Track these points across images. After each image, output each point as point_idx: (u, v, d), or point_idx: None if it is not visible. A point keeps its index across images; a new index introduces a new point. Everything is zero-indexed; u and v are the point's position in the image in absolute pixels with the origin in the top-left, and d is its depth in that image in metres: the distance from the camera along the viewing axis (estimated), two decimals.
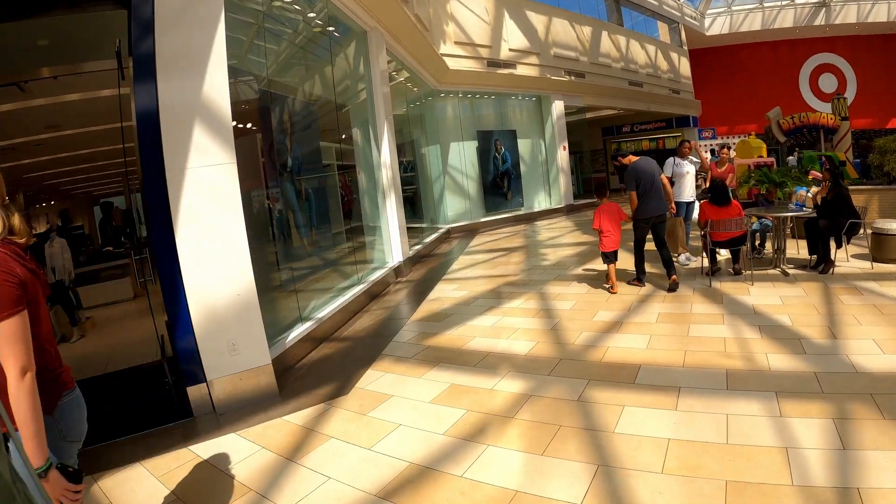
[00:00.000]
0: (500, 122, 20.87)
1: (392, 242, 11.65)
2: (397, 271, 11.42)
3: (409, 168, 17.92)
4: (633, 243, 8.53)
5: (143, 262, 5.65)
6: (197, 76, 5.30)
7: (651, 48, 27.84)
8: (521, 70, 19.96)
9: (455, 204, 19.15)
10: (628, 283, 8.58)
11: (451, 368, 5.90)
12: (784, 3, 31.06)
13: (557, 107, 21.65)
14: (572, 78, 21.99)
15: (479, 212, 19.59)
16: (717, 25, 32.36)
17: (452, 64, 17.45)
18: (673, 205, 8.77)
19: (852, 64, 32.62)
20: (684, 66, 30.91)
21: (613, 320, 6.90)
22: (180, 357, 5.38)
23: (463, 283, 10.30)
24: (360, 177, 11.85)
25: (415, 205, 17.46)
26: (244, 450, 4.54)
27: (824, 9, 30.40)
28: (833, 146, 19.51)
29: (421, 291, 9.97)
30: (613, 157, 10.81)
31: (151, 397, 6.02)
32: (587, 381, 5.12)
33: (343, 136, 11.52)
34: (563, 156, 21.87)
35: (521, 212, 20.65)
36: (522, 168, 21.10)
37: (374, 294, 9.97)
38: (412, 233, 15.22)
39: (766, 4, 31.31)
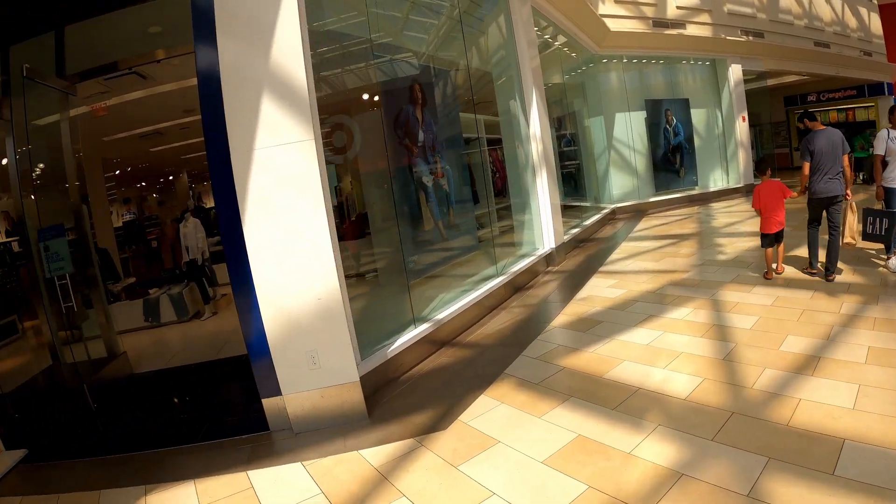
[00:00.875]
0: (670, 90, 18.47)
1: (544, 226, 9.98)
2: (548, 259, 9.82)
3: (570, 142, 16.07)
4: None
5: None
6: (261, 34, 4.32)
7: (837, 2, 24.26)
8: (692, 30, 17.54)
9: (621, 181, 17.10)
10: (803, 270, 7.59)
11: (583, 407, 4.40)
12: None
13: (735, 72, 18.96)
14: (750, 38, 19.20)
15: (648, 190, 17.42)
16: None
17: (613, 25, 15.43)
18: (849, 191, 7.14)
19: None
20: (875, 24, 26.84)
21: (808, 352, 4.86)
22: (253, 365, 4.68)
23: (621, 278, 8.53)
24: (508, 152, 10.37)
25: (577, 182, 15.64)
26: (302, 489, 3.81)
27: None
28: None
29: (572, 286, 8.38)
30: (800, 119, 8.61)
31: (240, 395, 5.75)
32: (766, 459, 3.34)
33: (491, 109, 10.29)
34: (742, 128, 19.15)
35: (695, 191, 18.22)
36: (696, 142, 18.57)
37: (518, 286, 8.53)
38: (572, 213, 13.58)
39: None
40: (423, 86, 8.05)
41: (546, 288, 8.50)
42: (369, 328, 5.61)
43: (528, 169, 9.90)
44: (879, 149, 7.29)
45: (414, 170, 7.82)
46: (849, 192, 7.10)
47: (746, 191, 18.71)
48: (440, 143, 8.36)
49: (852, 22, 24.96)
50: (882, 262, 7.37)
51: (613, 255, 10.27)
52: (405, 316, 6.22)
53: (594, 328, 6.24)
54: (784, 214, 7.46)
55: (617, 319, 6.45)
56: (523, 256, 9.37)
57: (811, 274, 7.35)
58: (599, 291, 7.81)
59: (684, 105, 18.07)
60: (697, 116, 18.56)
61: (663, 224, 13.70)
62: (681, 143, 17.75)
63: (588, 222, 13.23)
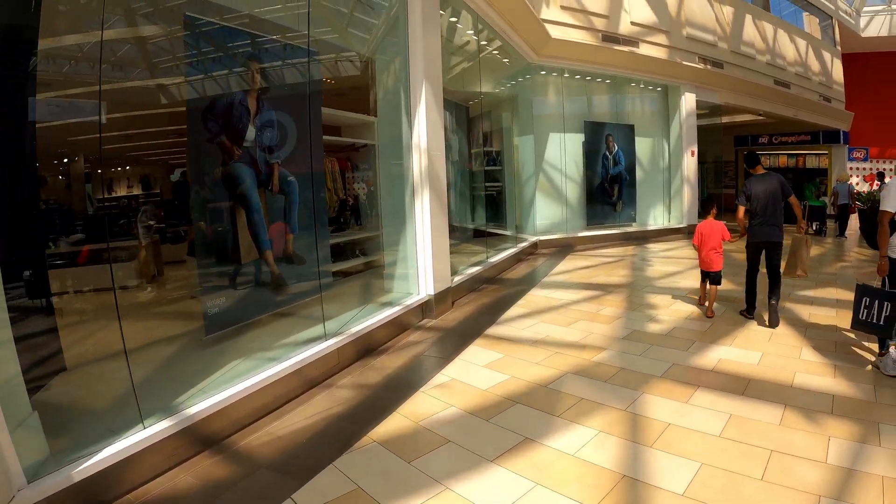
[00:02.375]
0: (614, 112, 16.18)
1: (421, 266, 7.45)
2: (425, 309, 7.32)
3: (495, 161, 13.74)
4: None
5: None
6: None
7: (802, 43, 22.68)
8: (645, 49, 15.34)
9: (548, 210, 14.60)
10: (740, 312, 7.29)
11: None
12: None
13: (688, 101, 16.94)
14: (708, 66, 17.21)
15: (579, 223, 15.06)
16: (874, 26, 26.79)
17: (556, 32, 13.13)
18: (803, 223, 7.32)
19: None
20: (837, 70, 25.39)
21: None
22: None
23: (511, 350, 6.01)
24: (383, 165, 7.91)
25: (498, 207, 13.29)
26: None
27: None
28: None
29: (439, 356, 5.94)
30: (750, 161, 7.22)
31: None
32: None
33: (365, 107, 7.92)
34: (690, 163, 17.13)
35: (632, 228, 15.99)
36: (638, 173, 16.39)
37: (371, 347, 6.16)
38: (487, 242, 11.20)
39: None
40: (263, 69, 5.69)
41: (403, 355, 5.95)
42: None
43: (408, 189, 7.43)
44: (890, 203, 5.14)
45: (232, 177, 5.43)
46: (802, 223, 7.18)
47: (688, 231, 16.68)
48: (287, 146, 6.03)
49: (815, 65, 23.55)
50: (872, 358, 5.38)
51: (514, 309, 7.78)
52: (142, 399, 3.72)
53: (427, 457, 3.74)
54: (720, 258, 7.40)
55: (470, 441, 3.94)
56: (386, 306, 6.83)
57: (746, 317, 7.08)
58: (470, 374, 5.31)
59: (628, 131, 15.84)
60: (642, 146, 16.40)
61: (589, 266, 11.31)
62: (620, 172, 15.50)
63: (499, 257, 10.74)
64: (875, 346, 5.50)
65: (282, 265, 5.80)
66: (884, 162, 27.70)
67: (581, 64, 14.40)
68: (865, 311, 5.15)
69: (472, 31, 10.66)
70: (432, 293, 7.33)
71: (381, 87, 8.05)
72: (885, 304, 5.01)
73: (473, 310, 7.80)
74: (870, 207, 18.06)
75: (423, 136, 7.18)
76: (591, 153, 15.01)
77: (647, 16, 15.33)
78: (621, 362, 5.51)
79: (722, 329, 6.62)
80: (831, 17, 25.04)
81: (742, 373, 5.13)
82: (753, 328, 6.60)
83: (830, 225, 17.30)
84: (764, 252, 6.89)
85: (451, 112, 11.20)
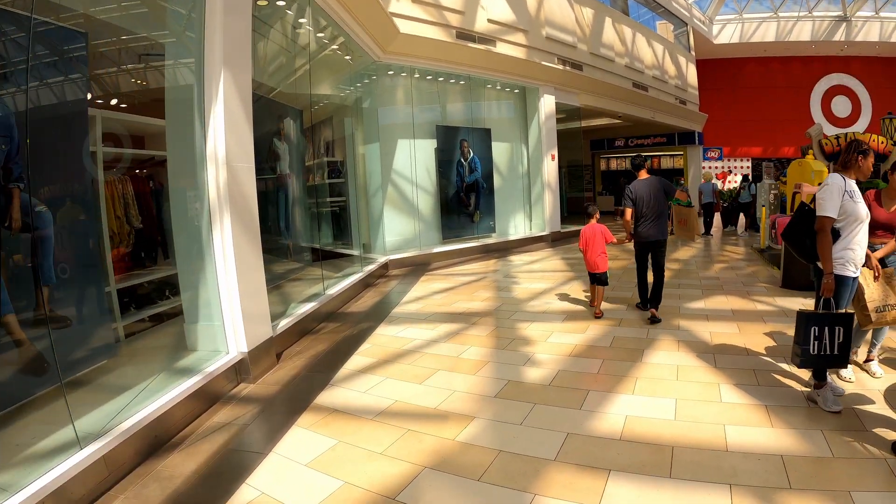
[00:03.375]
0: (469, 116, 14.70)
1: (228, 316, 5.62)
2: (239, 371, 5.54)
3: (339, 173, 12.11)
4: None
5: None
6: None
7: (659, 48, 22.65)
8: (503, 49, 14.14)
9: (399, 226, 13.01)
10: (636, 305, 7.78)
11: None
12: (802, 14, 27.10)
13: (547, 103, 15.87)
14: (567, 68, 16.27)
15: (433, 238, 13.57)
16: (726, 33, 27.89)
17: (406, 27, 11.64)
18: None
19: (868, 88, 30.03)
20: (692, 74, 25.88)
21: None
22: None
23: (346, 435, 4.28)
24: (173, 183, 5.98)
25: (342, 224, 11.73)
26: None
27: (845, 24, 27.26)
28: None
29: (235, 464, 3.98)
30: (635, 166, 7.47)
31: None
32: None
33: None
34: (550, 167, 16.11)
35: (492, 239, 14.68)
36: (497, 180, 15.14)
37: (166, 436, 4.20)
38: (333, 266, 9.88)
39: (781, 14, 27.29)
40: None
41: (202, 450, 4.09)
42: None
43: (204, 214, 5.63)
44: (830, 207, 4.07)
45: None
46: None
47: (552, 239, 15.77)
48: (39, 165, 4.24)
49: (671, 69, 23.75)
50: (800, 388, 4.60)
51: (355, 359, 6.10)
52: None
53: None
54: (606, 259, 7.62)
55: None
56: (185, 373, 5.07)
57: (640, 309, 7.55)
58: (288, 482, 3.58)
59: (484, 136, 14.53)
60: (499, 151, 15.17)
61: (447, 290, 9.75)
62: (477, 180, 14.17)
63: (341, 286, 8.99)
64: (798, 372, 4.82)
65: (34, 330, 4.06)
66: (735, 160, 28.79)
67: (433, 63, 12.93)
68: (816, 342, 4.02)
69: (306, 21, 8.97)
70: (245, 350, 5.59)
71: (172, 81, 6.23)
72: (837, 329, 4.05)
73: (304, 364, 6.07)
74: (731, 203, 18.27)
75: (222, 142, 5.38)
76: (445, 160, 13.58)
77: (505, 14, 14.11)
78: (498, 440, 4.00)
79: (617, 362, 5.47)
80: (686, 24, 25.31)
81: (660, 436, 3.86)
82: (654, 359, 5.57)
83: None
84: (651, 250, 7.24)
85: (292, 119, 9.51)
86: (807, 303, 7.07)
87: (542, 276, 10.56)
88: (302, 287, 8.73)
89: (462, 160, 13.83)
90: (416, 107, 13.26)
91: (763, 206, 13.62)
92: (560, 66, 15.91)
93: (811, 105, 30.12)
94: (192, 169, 5.60)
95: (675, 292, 8.47)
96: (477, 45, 13.29)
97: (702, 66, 27.30)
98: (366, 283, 10.23)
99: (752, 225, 17.70)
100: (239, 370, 5.56)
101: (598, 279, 7.51)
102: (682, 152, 27.42)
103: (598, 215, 7.90)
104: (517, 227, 16.06)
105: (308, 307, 7.55)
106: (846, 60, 29.45)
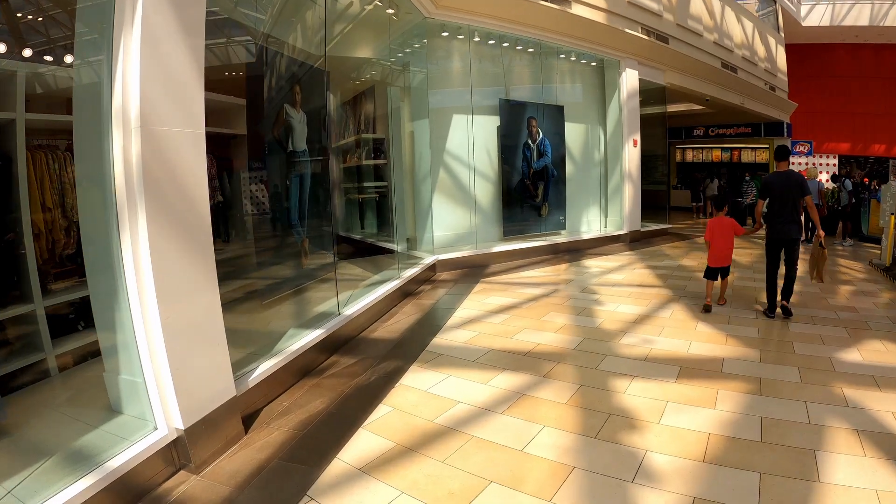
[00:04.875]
0: (537, 89, 12.08)
1: (149, 372, 3.31)
2: (176, 455, 3.31)
3: (379, 152, 9.86)
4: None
5: None
6: None
7: (749, 25, 19.68)
8: (580, 11, 11.52)
9: (452, 219, 10.60)
10: (763, 312, 6.90)
11: None
12: None
13: (629, 79, 13.29)
14: (653, 39, 13.67)
15: (493, 233, 11.13)
16: (815, 15, 24.56)
17: None
18: (821, 231, 6.83)
19: None
20: (781, 58, 22.83)
21: None
22: None
23: None
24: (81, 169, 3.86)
25: (382, 214, 9.42)
26: None
27: None
28: None
29: None
30: (779, 156, 6.80)
31: None
32: None
33: None
34: (632, 155, 13.53)
35: (562, 238, 12.13)
36: (569, 168, 12.53)
37: None
38: (367, 267, 7.95)
39: None
40: None
41: None
42: None
43: (109, 209, 3.32)
44: None
45: None
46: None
47: (631, 240, 13.26)
48: None
49: (761, 50, 20.73)
50: None
51: (360, 441, 3.72)
52: None
53: None
54: (731, 252, 7.28)
55: None
56: (91, 457, 2.93)
57: (767, 316, 6.75)
58: None
59: (557, 114, 11.98)
60: (573, 133, 12.62)
61: (508, 308, 7.27)
62: (546, 166, 11.66)
63: (365, 302, 6.56)
64: None
65: None
66: (821, 157, 25.97)
67: (496, 23, 10.46)
68: None
69: None
70: (181, 427, 3.35)
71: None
72: None
73: (283, 441, 3.76)
74: (835, 207, 15.21)
75: (135, 89, 3.16)
76: (509, 142, 11.09)
77: None
78: None
79: (780, 481, 3.08)
80: (775, 2, 22.35)
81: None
82: (835, 473, 3.13)
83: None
84: (783, 249, 6.86)
85: (314, 82, 7.27)
86: None
87: (629, 294, 8.06)
88: (311, 303, 6.41)
89: (529, 142, 11.31)
90: (475, 76, 10.76)
91: (893, 213, 10.66)
92: (644, 36, 13.32)
93: None
94: (98, 136, 3.35)
95: (812, 331, 5.94)
96: (549, 2, 10.81)
97: (789, 50, 24.05)
98: (405, 292, 7.87)
99: (855, 232, 14.95)
100: (178, 452, 3.34)
101: (723, 272, 7.35)
102: (767, 145, 24.27)
103: (727, 208, 7.61)
104: (591, 223, 13.50)
105: (312, 336, 5.20)
106: None
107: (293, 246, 6.93)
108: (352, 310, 6.19)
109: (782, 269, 6.83)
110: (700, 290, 7.81)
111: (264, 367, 4.37)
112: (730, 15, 18.22)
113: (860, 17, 24.41)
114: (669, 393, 4.37)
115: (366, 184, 9.60)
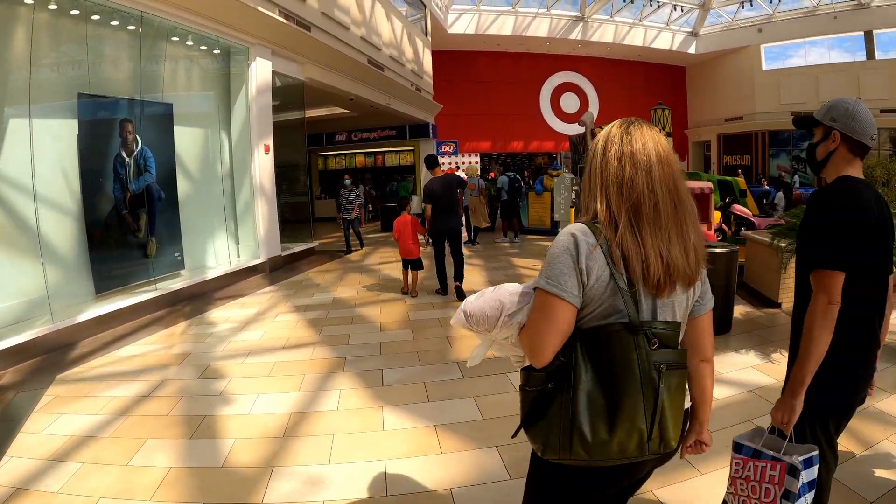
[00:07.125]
0: (137, 82, 8.99)
1: None
2: None
3: None
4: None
5: None
6: None
7: (398, 25, 19.49)
8: None
9: (11, 277, 7.07)
10: (435, 291, 9.09)
11: None
12: (540, 10, 28.03)
13: (261, 71, 11.23)
14: (292, 25, 11.86)
15: (78, 292, 7.78)
16: (461, 23, 27.07)
17: None
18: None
19: (596, 87, 32.17)
20: (427, 61, 23.80)
21: None
22: None
23: None
24: None
25: None
26: None
27: (581, 24, 28.34)
28: None
29: None
30: (430, 164, 9.27)
31: None
32: None
33: None
34: (264, 163, 11.47)
35: (180, 282, 9.39)
36: (183, 186, 9.75)
37: None
38: None
39: (519, 10, 27.68)
40: None
41: None
42: None
43: None
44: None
45: None
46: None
47: (271, 268, 11.38)
48: None
49: (409, 52, 21.26)
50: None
51: None
52: None
53: None
54: (418, 247, 9.00)
55: None
56: None
57: (440, 294, 9.02)
58: None
59: (162, 115, 9.24)
60: (187, 139, 10.03)
61: (84, 441, 4.37)
62: (150, 187, 8.81)
63: None
64: None
65: None
66: (465, 156, 27.99)
67: None
68: None
69: None
70: None
71: None
72: None
73: None
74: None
75: None
76: (94, 154, 7.96)
77: None
78: None
79: None
80: (426, 6, 22.93)
81: None
82: None
83: None
84: (447, 239, 8.76)
85: None
86: None
87: (272, 369, 5.83)
88: None
89: (124, 155, 8.32)
90: (37, 57, 7.40)
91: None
92: (282, 19, 11.41)
93: (541, 101, 31.37)
94: None
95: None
96: None
97: (435, 56, 25.49)
98: None
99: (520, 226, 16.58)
100: None
101: (413, 264, 8.97)
102: (412, 147, 25.31)
103: (410, 208, 9.48)
104: (219, 255, 10.87)
105: None
106: (576, 60, 31.09)
107: None
108: None
109: (450, 259, 8.87)
110: (375, 319, 7.92)
111: None
112: (380, 12, 17.35)
113: (504, 26, 27.51)
114: None
115: None
